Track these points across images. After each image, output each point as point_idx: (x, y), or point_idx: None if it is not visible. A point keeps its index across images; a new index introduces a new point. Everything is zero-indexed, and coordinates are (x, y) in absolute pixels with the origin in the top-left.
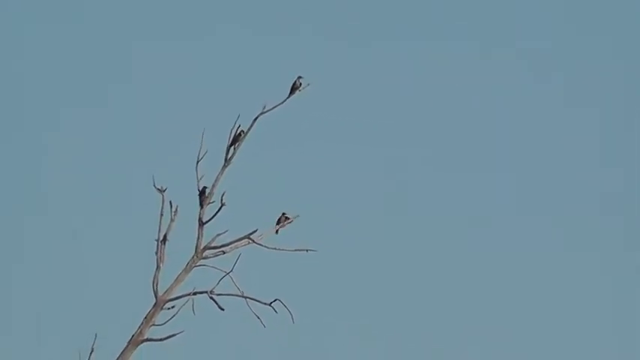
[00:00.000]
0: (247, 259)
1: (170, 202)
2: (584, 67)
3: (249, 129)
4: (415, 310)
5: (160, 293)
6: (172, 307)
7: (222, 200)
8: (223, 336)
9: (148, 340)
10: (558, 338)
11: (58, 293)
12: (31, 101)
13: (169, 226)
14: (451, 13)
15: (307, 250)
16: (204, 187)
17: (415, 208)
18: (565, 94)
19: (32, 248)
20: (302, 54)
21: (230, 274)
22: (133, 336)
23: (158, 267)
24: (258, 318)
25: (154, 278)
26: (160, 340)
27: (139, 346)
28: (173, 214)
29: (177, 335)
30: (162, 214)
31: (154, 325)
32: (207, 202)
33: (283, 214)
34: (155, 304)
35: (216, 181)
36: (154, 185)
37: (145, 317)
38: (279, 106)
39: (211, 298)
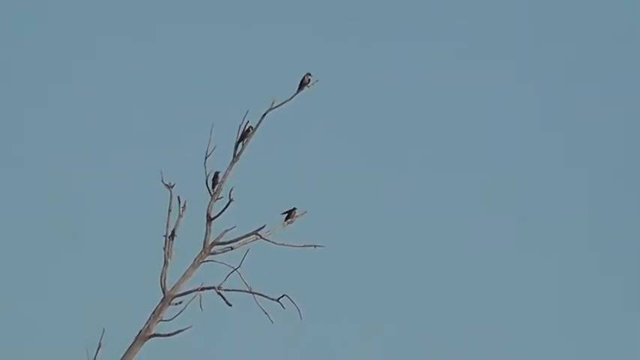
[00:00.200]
0: (255, 254)
1: (178, 198)
2: (584, 67)
3: (257, 125)
4: (421, 307)
5: (168, 289)
6: (180, 302)
7: (230, 196)
8: (231, 331)
9: (155, 335)
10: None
11: (65, 289)
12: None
13: (177, 221)
14: (451, 13)
15: (315, 246)
16: (217, 172)
17: (417, 207)
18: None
19: (38, 245)
20: (303, 52)
21: (238, 269)
22: (140, 331)
23: (166, 262)
24: (266, 314)
25: (162, 274)
26: (168, 335)
27: (146, 342)
28: (181, 209)
29: (185, 331)
30: (170, 210)
31: (161, 320)
32: (218, 192)
33: (294, 208)
34: (163, 299)
35: (224, 176)
36: (162, 181)
37: (153, 313)
38: (287, 103)
39: (219, 293)
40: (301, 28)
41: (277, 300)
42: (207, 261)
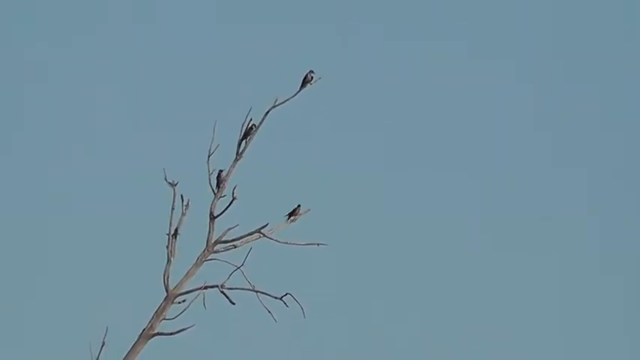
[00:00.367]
0: (258, 253)
1: (182, 196)
2: (584, 67)
3: (260, 123)
4: (423, 306)
5: (171, 287)
6: (183, 301)
7: (233, 194)
8: (234, 330)
9: (158, 334)
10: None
11: (69, 287)
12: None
13: (180, 220)
14: (451, 13)
15: (318, 245)
16: (221, 171)
17: (419, 206)
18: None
19: (43, 242)
20: (306, 50)
21: (241, 268)
22: (143, 330)
23: (169, 261)
24: (269, 312)
25: (165, 272)
26: (171, 334)
27: (149, 340)
28: (184, 208)
29: (188, 329)
30: (173, 209)
31: (164, 319)
32: (221, 191)
33: (299, 205)
34: (166, 298)
35: (227, 175)
36: (166, 179)
37: (156, 311)
38: (290, 100)
39: (222, 292)
40: (303, 27)
41: (280, 298)
42: (211, 259)
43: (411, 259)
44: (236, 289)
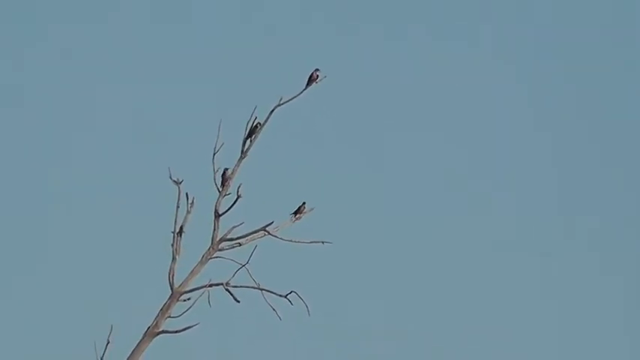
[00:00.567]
0: (263, 251)
1: (187, 194)
2: (584, 67)
3: (265, 121)
4: (427, 303)
5: (176, 285)
6: (188, 299)
7: (238, 192)
8: (239, 328)
9: (163, 332)
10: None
11: (74, 285)
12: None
13: (185, 218)
14: (451, 13)
15: (323, 242)
16: (226, 169)
17: (423, 205)
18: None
19: (48, 241)
20: (310, 49)
21: (246, 266)
22: (148, 328)
23: (174, 259)
24: (274, 310)
25: (170, 270)
26: (176, 332)
27: (154, 338)
28: (189, 206)
29: (193, 327)
30: (178, 207)
31: (169, 317)
32: (226, 189)
33: (304, 203)
34: (171, 296)
35: (232, 173)
36: (171, 177)
37: (161, 309)
38: (295, 99)
39: (227, 290)
40: (303, 27)
41: (285, 296)
42: (216, 257)
43: (415, 258)
44: (241, 287)
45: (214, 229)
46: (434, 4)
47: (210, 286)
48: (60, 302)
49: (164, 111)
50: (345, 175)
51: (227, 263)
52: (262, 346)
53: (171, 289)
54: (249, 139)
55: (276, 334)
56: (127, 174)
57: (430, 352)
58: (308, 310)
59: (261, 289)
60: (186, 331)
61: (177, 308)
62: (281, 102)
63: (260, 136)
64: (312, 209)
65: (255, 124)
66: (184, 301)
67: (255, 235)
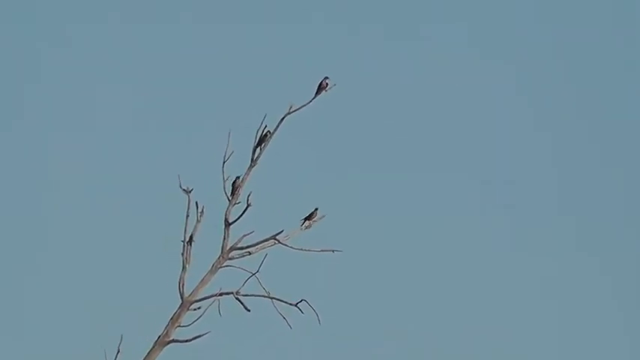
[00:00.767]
0: (273, 259)
1: (196, 203)
2: (583, 67)
3: (275, 129)
4: (438, 311)
5: (186, 294)
6: (198, 308)
7: (248, 201)
8: (249, 337)
9: (174, 341)
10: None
11: (84, 294)
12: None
13: (195, 227)
14: (451, 14)
15: (333, 251)
16: (238, 177)
17: (435, 211)
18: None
19: (58, 250)
20: (320, 56)
21: (256, 274)
22: (159, 337)
23: (184, 268)
24: (284, 319)
25: (180, 279)
26: (186, 341)
27: (165, 347)
28: (199, 215)
29: (204, 336)
30: (188, 215)
31: (179, 326)
32: (236, 197)
33: (316, 209)
34: (181, 305)
35: (242, 181)
36: (180, 186)
37: (171, 318)
38: (305, 107)
39: (237, 298)
40: (303, 27)
41: (296, 305)
42: (226, 266)
43: (426, 265)
44: (251, 295)
45: (224, 238)
46: (434, 3)
47: (221, 295)
48: (70, 311)
49: (173, 118)
50: (356, 182)
51: (237, 272)
52: (273, 355)
53: (182, 298)
54: (259, 148)
55: (286, 342)
56: (137, 182)
57: (430, 352)
58: (318, 319)
59: (272, 298)
60: (197, 340)
61: (187, 317)
62: (291, 110)
63: (270, 145)
64: (322, 217)
65: (265, 132)
66: (194, 310)
67: (265, 243)
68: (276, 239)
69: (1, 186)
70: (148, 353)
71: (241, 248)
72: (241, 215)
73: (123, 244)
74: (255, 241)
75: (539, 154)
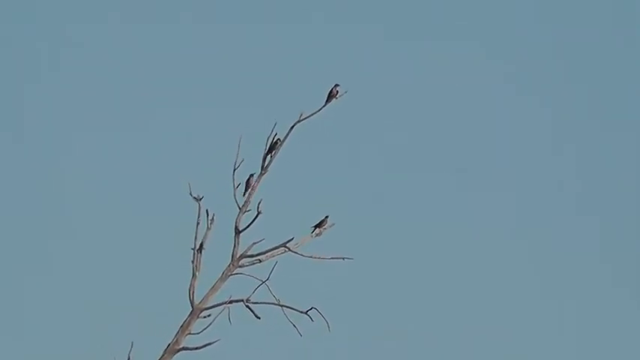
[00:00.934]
0: (283, 267)
1: (207, 211)
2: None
3: (285, 137)
4: (448, 317)
5: (196, 302)
6: (208, 315)
7: (258, 208)
8: (259, 344)
9: (184, 348)
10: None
11: (95, 301)
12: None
13: (206, 234)
14: (451, 13)
15: (344, 259)
16: (251, 175)
17: (448, 219)
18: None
19: (68, 257)
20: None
21: (266, 282)
22: (169, 345)
23: (194, 275)
24: (295, 326)
25: (190, 287)
26: (196, 348)
27: (175, 355)
28: (209, 222)
29: (214, 344)
30: (198, 223)
31: (190, 333)
32: (246, 205)
33: (327, 217)
34: (191, 312)
35: (252, 189)
36: (191, 194)
37: (182, 326)
38: (315, 115)
39: (247, 306)
40: (303, 28)
41: (306, 312)
42: (236, 274)
43: (437, 272)
44: (261, 303)
45: (234, 246)
46: (434, 4)
47: (231, 302)
48: (81, 318)
49: (183, 127)
50: (366, 189)
51: (247, 279)
52: None
53: (192, 305)
54: (269, 155)
55: (296, 350)
56: (148, 190)
57: (430, 352)
58: (329, 327)
59: (282, 306)
60: (207, 347)
61: (197, 325)
62: (301, 118)
63: (280, 152)
64: (332, 225)
65: (275, 140)
66: (205, 317)
67: (275, 251)
68: (286, 247)
69: (2, 186)
70: None
71: (251, 256)
72: (251, 223)
73: (133, 251)
74: (265, 249)
75: (539, 154)
